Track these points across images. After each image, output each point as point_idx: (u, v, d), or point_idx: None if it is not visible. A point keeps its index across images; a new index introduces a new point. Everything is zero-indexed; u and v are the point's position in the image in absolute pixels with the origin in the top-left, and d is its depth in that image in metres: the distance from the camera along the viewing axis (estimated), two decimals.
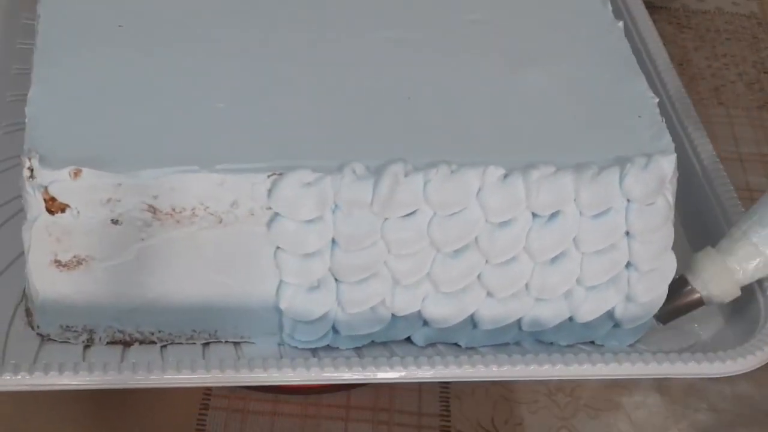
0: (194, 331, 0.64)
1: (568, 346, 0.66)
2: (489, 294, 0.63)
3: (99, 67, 0.65)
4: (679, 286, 0.66)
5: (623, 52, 0.69)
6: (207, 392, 0.68)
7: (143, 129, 0.61)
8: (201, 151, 0.60)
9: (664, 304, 0.65)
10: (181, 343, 0.64)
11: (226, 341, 0.64)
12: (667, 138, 0.64)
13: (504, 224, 0.61)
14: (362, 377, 0.61)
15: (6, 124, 0.73)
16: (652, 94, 0.67)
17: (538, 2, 0.73)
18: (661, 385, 0.74)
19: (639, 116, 0.65)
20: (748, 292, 0.68)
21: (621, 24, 0.71)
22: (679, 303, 0.66)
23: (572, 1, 0.73)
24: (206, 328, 0.64)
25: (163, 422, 0.67)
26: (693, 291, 0.66)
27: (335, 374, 0.61)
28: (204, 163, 0.59)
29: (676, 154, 0.62)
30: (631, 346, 0.66)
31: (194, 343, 0.64)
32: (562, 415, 0.73)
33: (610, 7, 0.73)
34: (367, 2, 0.71)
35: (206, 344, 0.64)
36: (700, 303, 0.66)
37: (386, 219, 0.60)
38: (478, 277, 0.62)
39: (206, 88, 0.64)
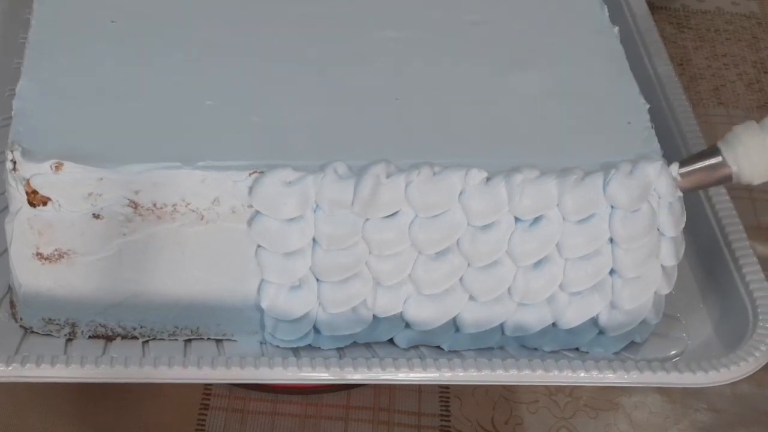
0: (176, 327, 0.64)
1: (553, 352, 0.65)
2: (471, 297, 0.63)
3: (89, 62, 0.65)
4: (708, 156, 0.62)
5: (617, 57, 0.69)
6: (207, 392, 0.68)
7: (129, 124, 0.61)
8: (184, 147, 0.60)
9: (688, 173, 0.61)
10: (163, 339, 0.64)
11: (209, 338, 0.64)
12: (656, 145, 0.63)
13: (486, 227, 0.61)
14: (338, 378, 0.61)
15: (2, 118, 0.73)
16: (644, 101, 0.66)
17: (535, 5, 0.72)
18: None
19: (629, 122, 0.64)
20: (737, 300, 0.67)
21: (617, 29, 0.70)
22: (705, 175, 0.62)
23: (569, 4, 0.73)
24: (188, 325, 0.64)
25: (163, 422, 0.67)
26: (723, 164, 0.61)
27: (312, 374, 0.61)
28: (186, 160, 0.59)
29: (662, 161, 0.61)
30: (616, 353, 0.65)
31: (176, 340, 0.64)
32: (562, 415, 0.73)
33: (606, 12, 0.72)
34: (359, 1, 0.70)
35: (188, 341, 0.64)
36: (727, 179, 0.62)
37: (367, 220, 0.60)
38: (461, 280, 0.62)
39: (194, 86, 0.64)
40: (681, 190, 0.62)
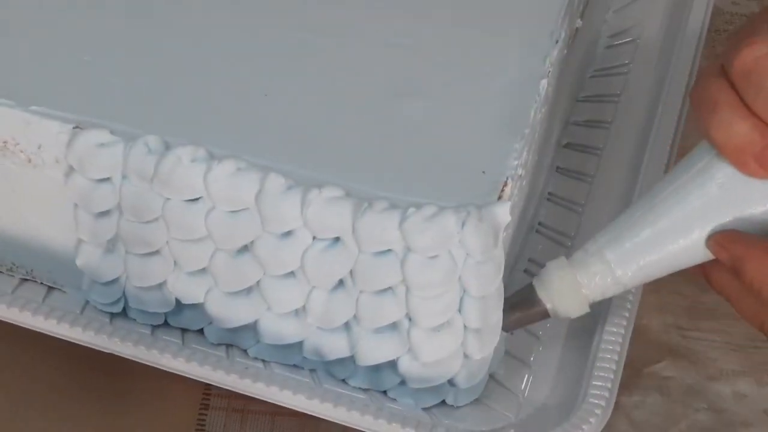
0: (14, 264, 0.65)
1: (362, 390, 0.61)
2: (268, 307, 0.60)
3: None
4: (526, 294, 0.60)
5: (520, 107, 0.62)
6: (207, 392, 0.68)
7: None
8: (25, 87, 0.61)
9: (509, 310, 0.60)
10: (1, 272, 0.66)
11: (42, 283, 0.65)
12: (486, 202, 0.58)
13: (283, 237, 0.58)
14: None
15: None
16: (518, 158, 0.60)
17: (477, 36, 0.67)
18: (661, 385, 0.70)
19: (483, 171, 0.59)
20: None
21: (544, 82, 0.64)
22: (523, 312, 0.60)
23: (516, 37, 0.67)
24: (24, 265, 0.65)
25: (163, 422, 0.67)
26: (539, 302, 0.59)
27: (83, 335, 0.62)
28: (20, 100, 0.61)
29: (470, 213, 0.56)
30: (426, 410, 0.61)
31: (13, 276, 0.66)
32: None
33: (555, 53, 0.65)
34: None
35: (24, 280, 0.66)
36: (545, 315, 0.60)
37: (168, 199, 0.59)
38: (258, 284, 0.60)
39: (56, 31, 0.65)
40: (504, 329, 0.60)
